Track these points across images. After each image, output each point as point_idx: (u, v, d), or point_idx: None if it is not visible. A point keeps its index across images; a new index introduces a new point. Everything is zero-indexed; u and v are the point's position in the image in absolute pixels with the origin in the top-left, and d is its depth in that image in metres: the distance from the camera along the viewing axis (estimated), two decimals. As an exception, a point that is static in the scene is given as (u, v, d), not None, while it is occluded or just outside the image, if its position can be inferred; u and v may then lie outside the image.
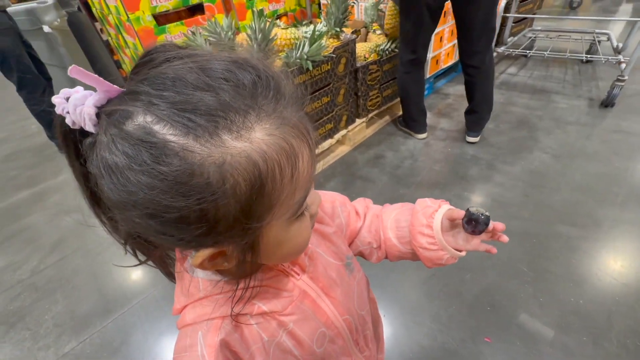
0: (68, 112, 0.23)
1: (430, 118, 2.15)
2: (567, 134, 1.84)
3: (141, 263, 0.32)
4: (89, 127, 0.23)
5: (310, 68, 1.32)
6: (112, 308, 1.24)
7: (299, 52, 1.30)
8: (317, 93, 1.53)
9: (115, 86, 0.23)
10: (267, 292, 0.34)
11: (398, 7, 1.58)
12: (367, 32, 2.10)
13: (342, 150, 1.90)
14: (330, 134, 1.76)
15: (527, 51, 2.39)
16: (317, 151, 1.54)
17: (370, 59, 1.77)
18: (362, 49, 1.82)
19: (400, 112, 1.98)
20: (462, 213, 0.43)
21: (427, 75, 2.25)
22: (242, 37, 1.73)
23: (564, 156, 1.68)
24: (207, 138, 0.21)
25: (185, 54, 0.24)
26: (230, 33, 1.37)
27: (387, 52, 1.80)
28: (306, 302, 0.37)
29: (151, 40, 1.90)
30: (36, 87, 2.13)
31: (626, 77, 1.89)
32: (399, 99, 2.11)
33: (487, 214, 0.40)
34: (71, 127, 0.24)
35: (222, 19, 1.51)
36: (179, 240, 0.25)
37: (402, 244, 0.48)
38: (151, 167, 0.21)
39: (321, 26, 1.53)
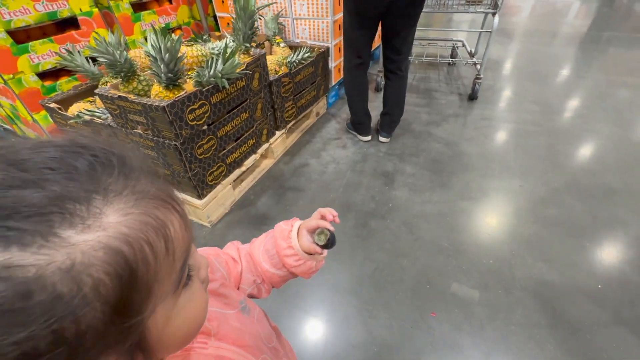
0: None
1: (339, 123, 2.31)
2: (450, 125, 2.22)
3: None
4: None
5: (227, 86, 1.27)
6: None
7: (212, 70, 1.23)
8: (235, 110, 1.48)
9: None
10: None
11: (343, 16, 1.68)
12: (271, 45, 2.13)
13: (267, 163, 1.88)
14: (253, 150, 1.73)
15: (410, 57, 2.78)
16: (243, 168, 1.48)
17: (281, 72, 1.80)
18: (271, 62, 1.83)
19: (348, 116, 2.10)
20: (312, 222, 0.51)
21: (333, 82, 2.41)
22: (135, 55, 1.55)
23: (452, 143, 2.02)
24: (41, 242, 0.17)
25: None
26: (121, 51, 1.21)
27: (294, 64, 1.86)
28: None
29: (9, 62, 1.55)
30: None
31: (482, 76, 2.38)
32: (311, 108, 2.21)
33: (330, 230, 0.50)
34: None
35: (106, 35, 1.32)
36: None
37: (279, 269, 0.52)
38: None
39: (229, 42, 1.48)
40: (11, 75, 1.56)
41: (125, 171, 0.21)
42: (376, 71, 2.71)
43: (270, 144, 1.84)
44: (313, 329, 1.13)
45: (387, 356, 1.05)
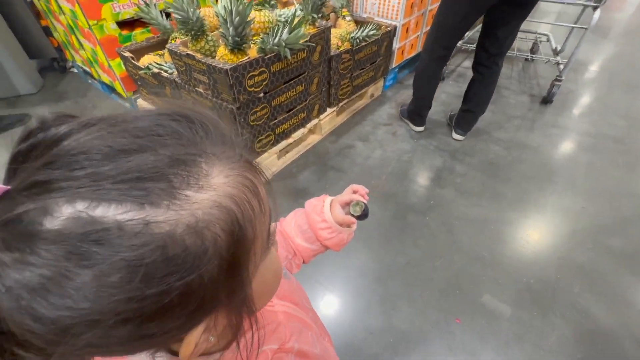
0: None
1: (394, 108, 2.22)
2: (514, 128, 2.03)
3: None
4: None
5: (288, 56, 1.26)
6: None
7: (277, 38, 1.23)
8: (292, 82, 1.48)
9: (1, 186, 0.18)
10: (264, 334, 0.33)
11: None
12: (337, 18, 2.06)
13: (313, 139, 1.89)
14: (302, 123, 1.73)
15: (482, 47, 2.55)
16: (290, 140, 1.51)
17: (342, 48, 1.75)
18: (334, 36, 1.78)
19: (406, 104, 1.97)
20: (345, 197, 0.55)
21: (394, 65, 2.30)
22: (205, 14, 1.59)
23: (514, 148, 1.87)
24: (169, 201, 0.18)
25: (88, 122, 0.20)
26: (194, 9, 1.24)
27: (358, 40, 1.78)
28: (293, 320, 0.39)
29: (95, 9, 1.66)
30: None
31: (563, 78, 2.13)
32: (367, 88, 2.14)
33: (364, 203, 0.53)
34: None
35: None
36: (163, 335, 0.19)
37: (311, 243, 0.55)
38: (110, 260, 0.16)
39: (298, 11, 1.45)
40: (95, 21, 1.68)
41: (219, 137, 0.23)
42: (442, 58, 2.53)
43: (319, 120, 1.83)
44: (333, 308, 1.16)
45: (402, 349, 1.05)
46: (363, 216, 0.52)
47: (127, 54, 1.64)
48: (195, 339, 0.22)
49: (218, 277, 0.20)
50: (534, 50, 2.75)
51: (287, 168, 1.73)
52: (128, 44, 1.79)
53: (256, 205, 0.23)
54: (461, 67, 2.75)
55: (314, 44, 1.43)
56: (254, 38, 1.36)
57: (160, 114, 0.22)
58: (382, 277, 1.24)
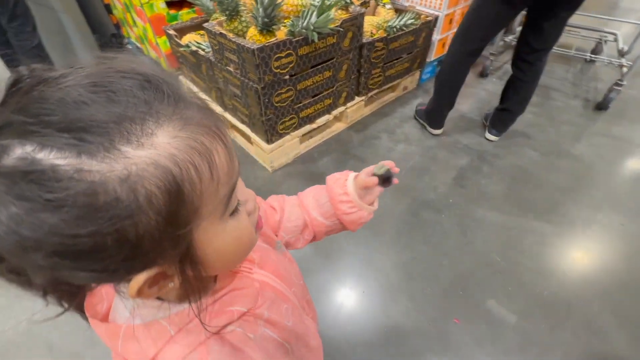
0: None
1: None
2: (557, 133, 1.88)
3: (66, 310, 0.30)
4: None
5: (316, 40, 1.28)
6: None
7: (306, 21, 1.24)
8: (319, 66, 1.49)
9: None
10: (236, 295, 0.35)
11: None
12: (376, 5, 2.02)
13: (339, 126, 1.89)
14: (328, 110, 1.74)
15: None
16: (314, 125, 1.52)
17: (377, 36, 1.72)
18: (369, 24, 1.75)
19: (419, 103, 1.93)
20: (370, 167, 0.53)
21: (432, 58, 2.21)
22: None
23: (552, 154, 1.73)
24: (104, 154, 0.20)
25: (59, 75, 0.22)
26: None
27: (395, 29, 1.74)
28: (267, 289, 0.39)
29: None
30: (27, 22, 1.99)
31: (625, 82, 1.91)
32: (400, 80, 2.08)
33: (387, 168, 0.51)
34: None
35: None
36: (102, 272, 0.23)
37: (327, 218, 0.55)
38: (43, 197, 0.19)
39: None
40: (146, 0, 1.81)
41: (175, 98, 0.24)
42: (488, 53, 2.38)
43: (346, 108, 1.82)
44: (331, 291, 1.19)
45: (394, 339, 1.05)
46: (386, 179, 0.51)
47: (171, 31, 1.76)
48: (138, 283, 0.24)
49: (154, 231, 0.22)
50: (596, 50, 2.48)
51: (309, 152, 1.76)
52: (174, 22, 1.91)
53: (205, 170, 0.23)
54: (509, 65, 2.56)
55: (342, 29, 1.42)
56: (285, 21, 1.39)
57: (118, 71, 0.23)
58: (385, 269, 1.24)
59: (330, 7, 1.24)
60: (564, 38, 2.60)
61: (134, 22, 2.19)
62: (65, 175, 0.19)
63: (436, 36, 2.08)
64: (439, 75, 1.70)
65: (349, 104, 1.84)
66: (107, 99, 0.21)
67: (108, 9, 2.57)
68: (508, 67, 2.53)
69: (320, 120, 1.72)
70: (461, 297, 1.15)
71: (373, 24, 1.76)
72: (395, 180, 0.53)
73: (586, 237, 1.34)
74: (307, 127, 1.68)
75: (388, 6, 1.97)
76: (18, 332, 1.07)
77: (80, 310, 0.33)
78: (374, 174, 0.51)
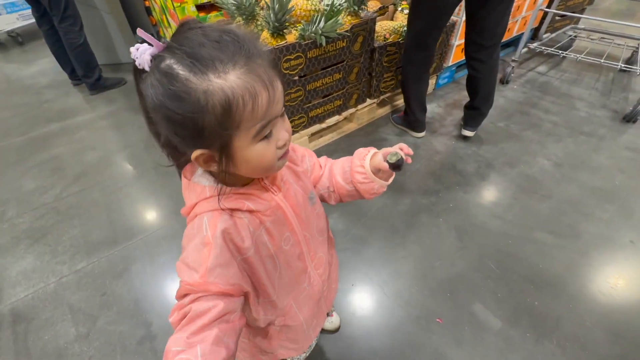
0: (137, 58, 0.37)
1: (444, 108, 2.14)
2: (576, 144, 1.81)
3: (172, 164, 0.48)
4: (147, 67, 0.36)
5: (324, 44, 1.35)
6: (120, 239, 1.41)
7: (315, 26, 1.32)
8: (329, 69, 1.56)
9: (161, 44, 0.37)
10: (253, 198, 0.47)
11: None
12: (395, 10, 2.06)
13: (349, 127, 1.95)
14: (338, 111, 1.81)
15: (560, 51, 2.27)
16: (324, 126, 1.59)
17: (389, 40, 1.76)
18: (384, 28, 1.79)
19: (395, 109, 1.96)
20: (390, 148, 0.58)
21: (450, 63, 2.21)
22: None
23: (566, 166, 1.68)
24: (200, 75, 0.34)
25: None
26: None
27: (409, 34, 1.77)
28: (279, 211, 0.51)
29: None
30: (76, 22, 2.24)
31: (655, 94, 1.81)
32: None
33: (400, 155, 0.55)
34: (138, 67, 0.37)
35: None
36: (183, 138, 0.38)
37: (347, 184, 0.63)
38: (167, 86, 0.34)
39: (337, 2, 1.52)
40: (179, 4, 1.97)
41: (249, 55, 0.36)
42: (510, 60, 2.33)
43: (357, 110, 1.88)
44: (324, 281, 1.25)
45: (374, 333, 1.09)
46: (396, 166, 0.56)
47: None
48: (197, 153, 0.39)
49: (211, 125, 0.36)
50: (632, 60, 2.35)
51: (317, 151, 1.83)
52: None
53: (249, 103, 0.36)
54: (533, 72, 2.49)
55: (351, 34, 1.48)
56: (297, 25, 1.47)
57: (225, 31, 0.37)
58: (375, 264, 1.28)
59: (338, 12, 1.31)
60: (598, 46, 2.48)
61: (169, 23, 2.38)
62: (182, 79, 0.34)
63: (455, 41, 2.08)
64: (407, 86, 1.74)
65: (360, 106, 1.89)
66: (213, 46, 0.35)
67: (148, 11, 2.80)
68: (531, 75, 2.47)
69: (330, 121, 1.79)
70: (448, 298, 1.17)
71: (388, 29, 1.80)
72: (408, 160, 0.58)
73: (590, 252, 1.30)
74: (317, 127, 1.75)
75: (406, 11, 2.00)
76: (46, 292, 1.24)
77: (180, 169, 0.49)
78: (386, 161, 0.57)
